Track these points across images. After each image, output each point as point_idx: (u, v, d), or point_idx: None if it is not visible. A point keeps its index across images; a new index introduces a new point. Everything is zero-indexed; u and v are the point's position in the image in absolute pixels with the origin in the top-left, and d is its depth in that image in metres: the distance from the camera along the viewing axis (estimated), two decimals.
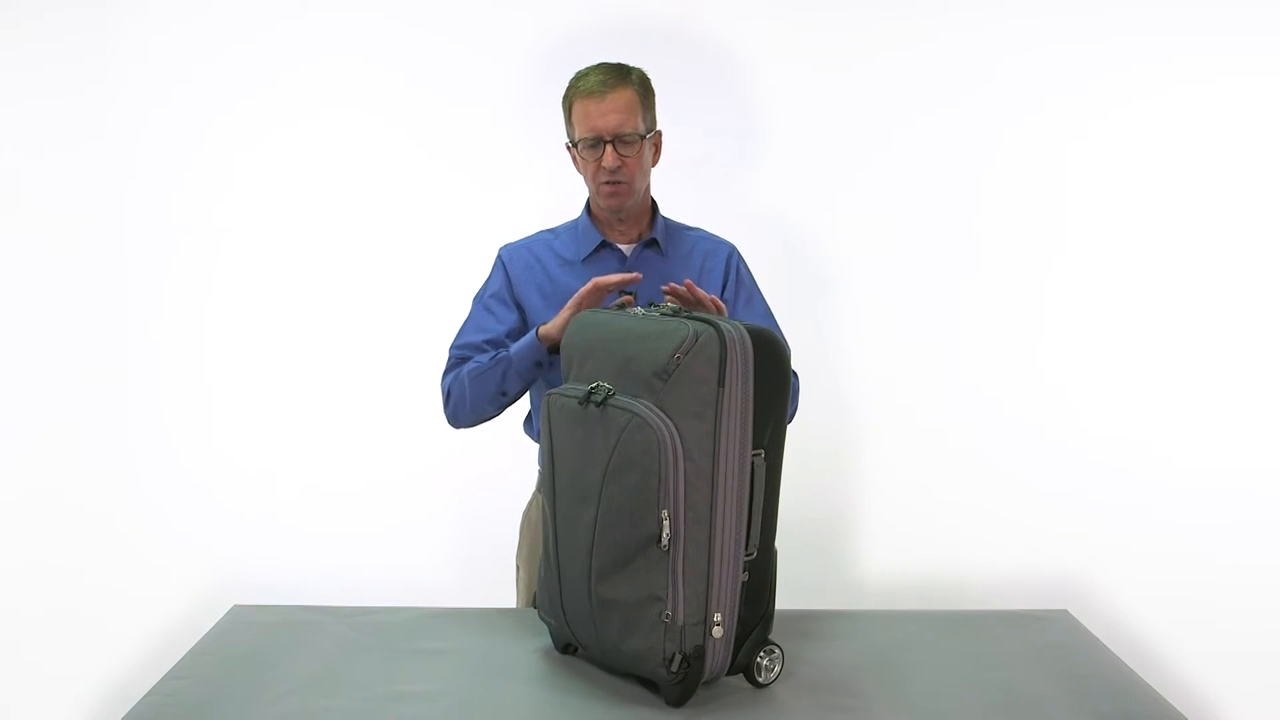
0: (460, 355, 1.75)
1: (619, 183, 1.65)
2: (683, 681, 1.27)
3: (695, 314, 1.33)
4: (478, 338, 1.74)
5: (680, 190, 1.87)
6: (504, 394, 1.68)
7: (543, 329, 1.63)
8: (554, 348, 1.61)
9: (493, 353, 1.69)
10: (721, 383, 1.23)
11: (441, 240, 2.28)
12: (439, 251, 2.28)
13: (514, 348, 1.66)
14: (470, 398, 1.69)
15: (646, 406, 1.25)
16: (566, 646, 1.46)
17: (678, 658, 1.25)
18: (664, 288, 1.54)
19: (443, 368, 1.76)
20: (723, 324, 1.25)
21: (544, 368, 1.66)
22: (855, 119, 2.29)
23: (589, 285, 1.56)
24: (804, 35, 2.26)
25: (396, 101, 2.27)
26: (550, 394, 1.40)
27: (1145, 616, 2.26)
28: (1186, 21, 2.21)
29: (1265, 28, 2.20)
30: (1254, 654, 2.27)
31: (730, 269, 1.80)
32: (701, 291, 1.51)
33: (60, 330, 2.29)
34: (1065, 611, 1.67)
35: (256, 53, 2.25)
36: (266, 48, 2.25)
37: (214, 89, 2.26)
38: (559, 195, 1.88)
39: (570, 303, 1.59)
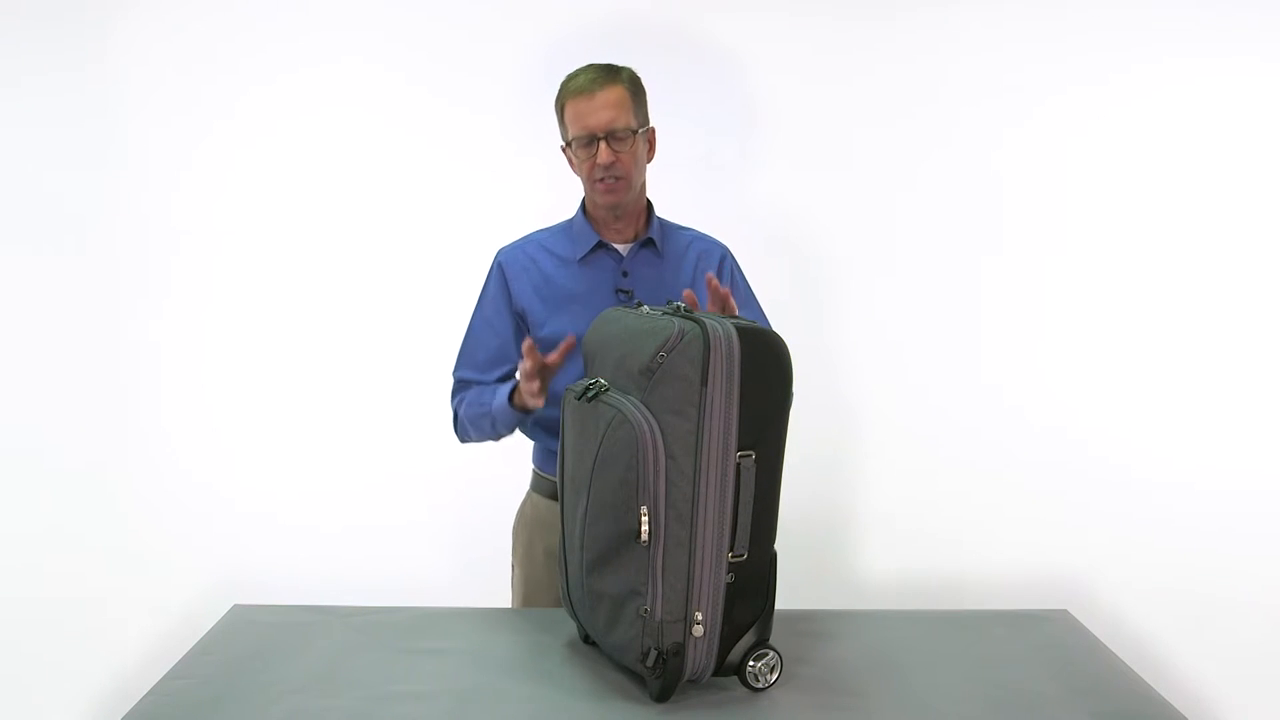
0: (460, 378, 1.79)
1: (616, 179, 1.65)
2: (662, 677, 1.27)
3: (690, 313, 1.33)
4: (479, 356, 1.78)
5: (681, 189, 1.87)
6: (498, 435, 1.72)
7: (516, 397, 1.63)
8: (524, 409, 1.62)
9: (482, 400, 1.71)
10: (705, 381, 1.23)
11: (439, 241, 2.29)
12: (436, 252, 2.29)
13: (494, 404, 1.67)
14: (472, 432, 1.75)
15: (631, 403, 1.26)
16: (586, 637, 1.47)
17: (653, 653, 1.26)
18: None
19: (450, 384, 1.80)
20: (710, 322, 1.25)
21: (528, 421, 1.71)
22: (857, 118, 2.29)
23: (525, 357, 1.53)
24: (805, 34, 2.26)
25: (395, 104, 2.27)
26: (567, 388, 1.42)
27: (1145, 616, 2.26)
28: (1192, 24, 2.21)
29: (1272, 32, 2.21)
30: (1253, 654, 2.27)
31: (724, 271, 1.80)
32: (723, 290, 1.49)
33: (60, 331, 2.29)
34: (1065, 611, 1.67)
35: (256, 54, 2.25)
36: (266, 48, 2.25)
37: (213, 91, 2.26)
38: (557, 195, 1.88)
39: (519, 374, 1.59)
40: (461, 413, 1.75)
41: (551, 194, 1.94)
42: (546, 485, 1.78)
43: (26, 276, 2.28)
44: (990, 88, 2.27)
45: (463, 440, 1.79)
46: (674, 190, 1.84)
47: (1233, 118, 2.24)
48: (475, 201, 2.29)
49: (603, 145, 1.63)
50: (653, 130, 1.73)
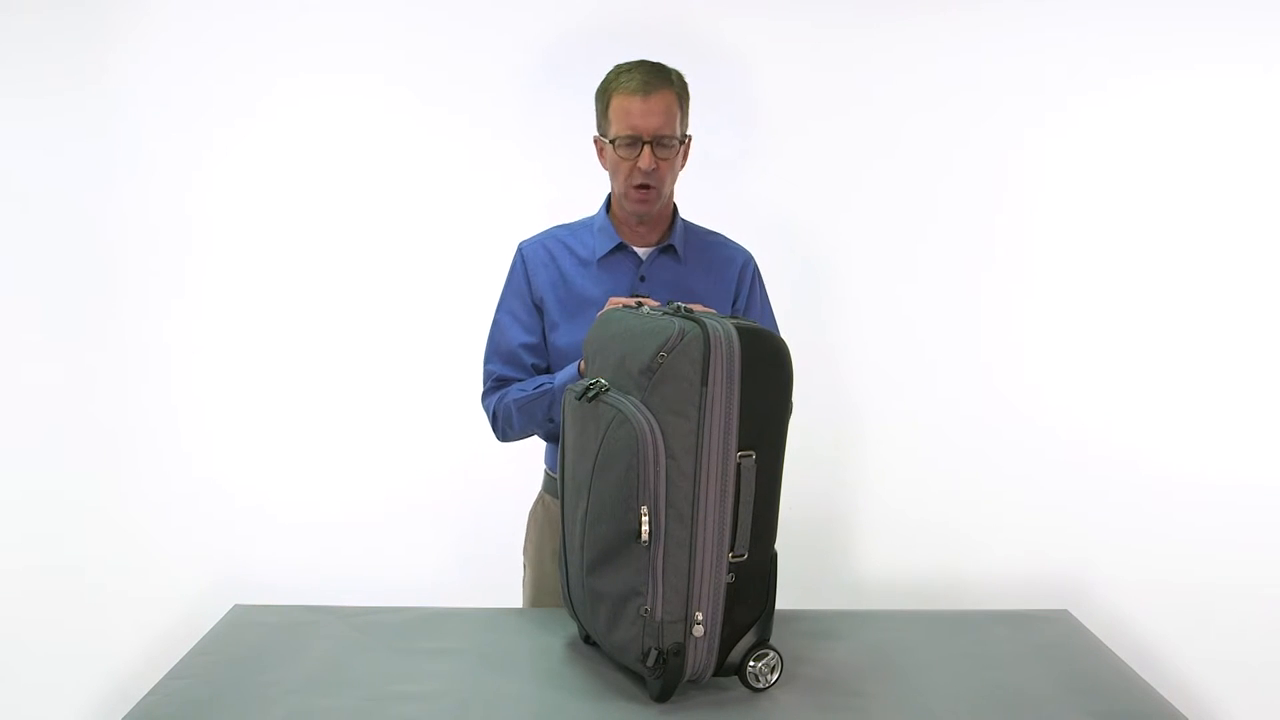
0: (497, 374, 1.74)
1: (649, 187, 1.64)
2: (662, 677, 1.27)
3: (691, 313, 1.33)
4: (511, 346, 1.73)
5: (683, 188, 1.87)
6: (551, 420, 1.67)
7: (584, 363, 1.61)
8: None
9: (538, 382, 1.69)
10: (705, 381, 1.23)
11: (446, 238, 2.29)
12: (443, 249, 2.29)
13: (558, 379, 1.64)
14: (518, 424, 1.71)
15: (632, 403, 1.26)
16: (587, 637, 1.47)
17: (654, 653, 1.26)
18: None
19: (482, 386, 1.77)
20: (710, 323, 1.25)
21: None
22: (859, 118, 2.29)
23: (607, 305, 1.54)
24: (807, 33, 2.26)
25: (397, 108, 2.27)
26: (567, 389, 1.41)
27: (1145, 616, 2.26)
28: (1196, 26, 2.22)
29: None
30: (1254, 653, 2.27)
31: (745, 279, 1.78)
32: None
33: (64, 330, 2.29)
34: (1065, 611, 1.67)
35: (259, 56, 2.25)
36: (272, 48, 2.25)
37: (223, 96, 2.26)
38: (563, 191, 1.88)
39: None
40: (508, 403, 1.69)
41: (555, 188, 1.95)
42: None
43: (33, 276, 2.28)
44: (996, 87, 2.26)
45: (504, 437, 1.74)
46: (677, 188, 1.84)
47: (1239, 121, 2.24)
48: (475, 203, 2.29)
49: (647, 150, 1.61)
50: (689, 138, 1.71)
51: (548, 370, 1.74)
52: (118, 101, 2.24)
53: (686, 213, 1.83)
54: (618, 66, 1.67)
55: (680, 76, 1.68)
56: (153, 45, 2.24)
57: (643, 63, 1.66)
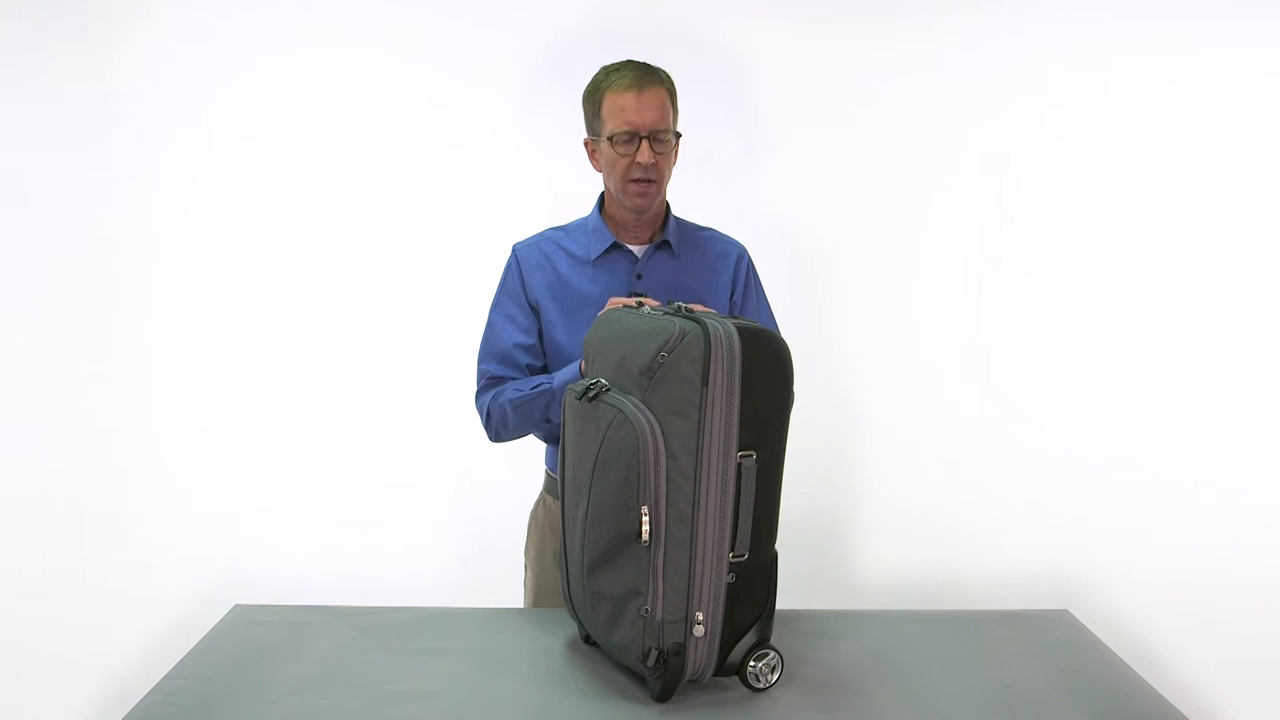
0: (491, 374, 1.74)
1: (649, 181, 1.64)
2: (663, 677, 1.27)
3: (692, 313, 1.33)
4: (506, 346, 1.73)
5: (683, 188, 1.87)
6: (549, 420, 1.67)
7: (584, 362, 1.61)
8: None
9: (535, 381, 1.68)
10: (705, 382, 1.23)
11: (446, 238, 2.29)
12: (443, 249, 2.29)
13: (557, 379, 1.64)
14: (513, 423, 1.70)
15: (632, 403, 1.26)
16: (587, 637, 1.47)
17: (654, 653, 1.26)
18: None
19: (475, 386, 1.76)
20: (711, 323, 1.25)
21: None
22: (860, 118, 2.28)
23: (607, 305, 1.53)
24: (807, 33, 2.26)
25: (395, 109, 2.27)
26: (568, 389, 1.41)
27: (1145, 616, 2.26)
28: (1196, 26, 2.21)
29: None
30: (1254, 653, 2.27)
31: (740, 272, 1.79)
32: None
33: (64, 330, 2.29)
34: (1065, 611, 1.67)
35: (259, 56, 2.25)
36: (272, 48, 2.25)
37: (223, 96, 2.26)
38: (562, 191, 1.88)
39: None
40: (503, 402, 1.69)
41: (552, 192, 1.95)
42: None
43: (33, 276, 2.28)
44: (995, 87, 2.26)
45: (497, 437, 1.74)
46: (676, 188, 1.84)
47: (1237, 121, 2.24)
48: (474, 203, 2.29)
49: (645, 144, 1.62)
50: (678, 135, 1.71)
51: (543, 370, 1.75)
52: (118, 101, 2.25)
53: (687, 212, 1.83)
54: (605, 68, 1.68)
55: (668, 75, 1.69)
56: (153, 45, 2.24)
57: (630, 62, 1.67)
